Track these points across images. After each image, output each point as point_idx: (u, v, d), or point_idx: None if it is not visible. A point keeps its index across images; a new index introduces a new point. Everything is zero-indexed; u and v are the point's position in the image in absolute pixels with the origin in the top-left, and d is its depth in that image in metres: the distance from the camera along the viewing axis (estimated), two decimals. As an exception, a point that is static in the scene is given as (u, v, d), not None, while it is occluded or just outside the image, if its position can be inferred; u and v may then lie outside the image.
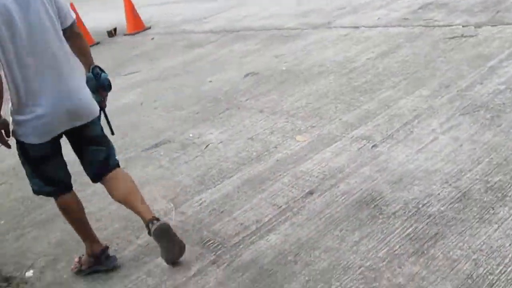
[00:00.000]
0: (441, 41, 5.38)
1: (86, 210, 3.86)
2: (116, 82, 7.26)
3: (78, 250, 3.43)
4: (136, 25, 10.40)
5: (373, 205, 3.04)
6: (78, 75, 2.99)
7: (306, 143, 4.03)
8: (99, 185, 4.08)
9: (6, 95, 2.73)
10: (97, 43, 10.33)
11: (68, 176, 3.15)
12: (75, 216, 3.22)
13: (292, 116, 4.58)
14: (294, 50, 6.47)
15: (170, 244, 2.97)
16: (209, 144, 4.48)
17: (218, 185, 3.77)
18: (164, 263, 3.04)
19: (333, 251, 2.76)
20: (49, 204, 4.21)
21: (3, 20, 2.63)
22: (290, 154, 3.92)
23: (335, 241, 2.83)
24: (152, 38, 9.49)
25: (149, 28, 10.44)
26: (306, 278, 2.63)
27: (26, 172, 3.10)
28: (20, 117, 2.81)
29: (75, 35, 3.00)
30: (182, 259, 3.03)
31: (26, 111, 2.79)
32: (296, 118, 4.53)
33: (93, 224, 3.66)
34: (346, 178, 3.41)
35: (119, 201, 3.17)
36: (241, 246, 3.02)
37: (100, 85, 3.15)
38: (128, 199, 3.10)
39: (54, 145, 2.97)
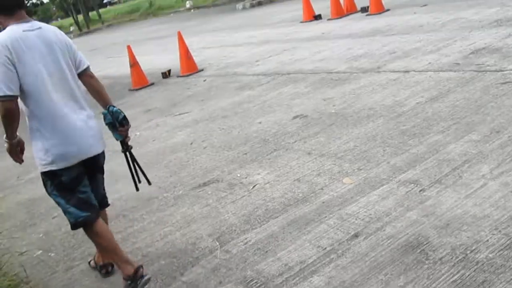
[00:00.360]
0: (492, 86, 5.32)
1: (134, 246, 3.94)
2: (168, 122, 7.48)
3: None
4: (190, 67, 10.67)
5: (419, 250, 3.00)
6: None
7: (353, 185, 4.02)
8: (147, 221, 4.16)
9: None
10: (152, 84, 10.64)
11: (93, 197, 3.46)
12: (109, 239, 3.42)
13: (339, 159, 4.59)
14: (343, 94, 6.51)
15: None
16: (256, 185, 4.52)
17: (264, 225, 3.79)
18: (207, 301, 3.07)
19: (377, 295, 2.72)
20: (98, 239, 4.32)
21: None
22: (336, 196, 3.91)
23: (380, 285, 2.79)
24: (204, 80, 9.70)
25: (202, 70, 10.68)
26: (349, 321, 2.60)
27: (60, 206, 3.38)
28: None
29: (89, 77, 3.50)
30: (225, 297, 3.05)
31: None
32: (343, 160, 4.53)
33: (139, 260, 3.73)
34: (392, 221, 3.37)
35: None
36: (284, 287, 3.02)
37: (116, 119, 3.55)
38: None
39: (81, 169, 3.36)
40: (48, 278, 3.96)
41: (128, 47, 10.76)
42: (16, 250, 4.47)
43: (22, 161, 3.36)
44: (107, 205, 3.76)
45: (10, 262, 3.73)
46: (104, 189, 3.71)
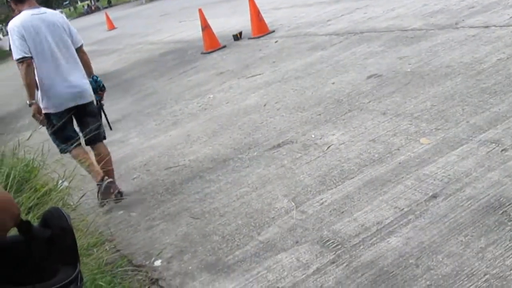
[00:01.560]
0: None
1: (211, 206, 4.04)
2: (241, 84, 7.52)
3: (203, 243, 3.59)
4: (261, 28, 10.63)
5: (501, 211, 2.92)
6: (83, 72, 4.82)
7: (431, 146, 3.93)
8: (223, 182, 4.25)
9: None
10: (224, 47, 10.68)
11: (77, 135, 4.76)
12: (85, 159, 4.67)
13: (416, 119, 4.49)
14: (419, 52, 6.32)
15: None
16: (330, 145, 4.50)
17: (339, 185, 3.78)
18: (285, 260, 3.12)
19: (457, 256, 2.69)
20: (177, 199, 4.45)
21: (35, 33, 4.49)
22: (413, 157, 3.85)
23: (459, 246, 2.75)
24: (276, 41, 9.65)
25: (273, 31, 10.62)
26: (428, 282, 2.58)
27: (52, 140, 4.79)
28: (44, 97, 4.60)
29: (82, 53, 4.84)
30: (302, 256, 3.09)
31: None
32: (420, 120, 4.43)
33: (217, 220, 3.82)
34: (472, 182, 3.29)
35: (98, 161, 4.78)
36: (361, 247, 3.02)
37: (98, 86, 4.98)
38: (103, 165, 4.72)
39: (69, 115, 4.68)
40: (131, 236, 4.13)
41: (200, 10, 10.82)
42: (100, 209, 4.67)
43: (45, 123, 4.66)
44: (101, 139, 4.91)
45: (95, 221, 3.90)
46: (97, 128, 4.76)
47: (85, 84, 4.73)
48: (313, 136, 4.83)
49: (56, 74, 4.55)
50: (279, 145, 4.87)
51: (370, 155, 4.09)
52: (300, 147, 4.68)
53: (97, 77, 4.99)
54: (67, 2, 79.17)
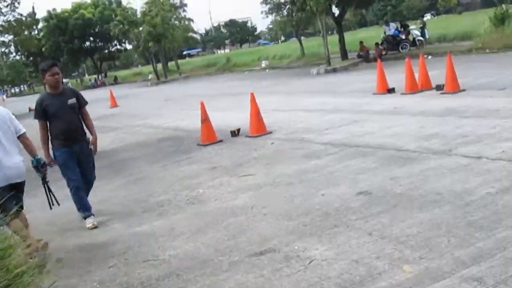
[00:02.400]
0: None
1: None
2: (232, 183, 7.54)
3: None
4: (259, 128, 10.81)
5: None
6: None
7: (413, 275, 3.89)
8: (200, 284, 4.13)
9: None
10: (220, 141, 10.81)
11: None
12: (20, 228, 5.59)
13: (401, 243, 4.47)
14: (411, 174, 6.40)
15: None
16: (313, 260, 4.45)
17: (316, 305, 3.70)
18: None
19: None
20: None
21: None
22: (395, 284, 3.79)
23: None
24: (272, 143, 9.78)
25: (271, 132, 10.79)
26: None
27: None
28: None
29: (24, 139, 5.96)
30: None
31: None
32: (405, 246, 4.41)
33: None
34: (451, 320, 3.22)
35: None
36: None
37: (40, 165, 6.12)
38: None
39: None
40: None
41: (202, 103, 11.02)
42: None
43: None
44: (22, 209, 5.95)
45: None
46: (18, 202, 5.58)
47: (21, 166, 5.85)
48: (296, 247, 4.78)
49: (3, 155, 5.65)
50: (261, 253, 4.81)
51: (351, 276, 4.03)
52: (282, 257, 4.62)
53: (38, 157, 6.05)
54: (75, 74, 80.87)
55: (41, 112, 6.56)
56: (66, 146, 6.62)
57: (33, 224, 7.18)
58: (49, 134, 6.69)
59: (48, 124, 6.65)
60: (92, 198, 8.15)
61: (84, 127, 6.91)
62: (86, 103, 6.96)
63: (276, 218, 5.70)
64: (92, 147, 6.90)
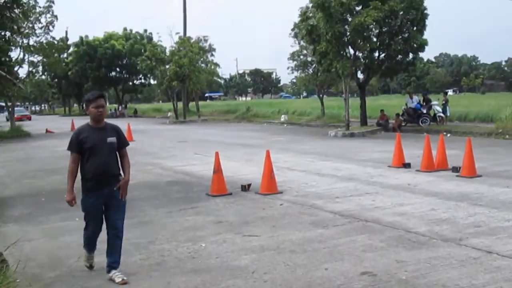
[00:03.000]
0: None
1: None
2: (235, 241, 7.43)
3: None
4: (270, 187, 10.72)
5: None
6: None
7: None
8: None
9: None
10: (230, 194, 10.72)
11: None
12: None
13: (400, 337, 4.30)
14: (418, 260, 6.25)
15: None
16: None
17: None
18: None
19: None
20: None
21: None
22: None
23: None
24: (281, 204, 9.68)
25: (281, 192, 10.70)
26: None
27: None
28: None
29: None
30: None
31: None
32: None
33: None
34: None
35: None
36: None
37: None
38: None
39: None
40: None
41: (216, 153, 10.98)
42: None
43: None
44: None
45: None
46: None
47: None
48: (292, 324, 4.64)
49: None
50: (255, 325, 4.66)
51: None
52: (277, 334, 4.47)
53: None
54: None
55: (76, 144, 5.95)
56: (96, 190, 5.96)
57: (29, 253, 7.11)
58: (79, 170, 6.08)
59: (80, 159, 6.01)
60: (93, 236, 8.08)
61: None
62: (127, 144, 6.35)
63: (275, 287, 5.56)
64: (119, 189, 6.11)
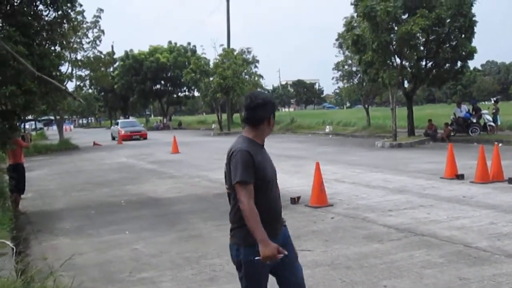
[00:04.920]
0: None
1: None
2: (288, 257, 7.21)
3: None
4: (320, 199, 10.51)
5: None
6: None
7: None
8: None
9: None
10: (278, 207, 10.54)
11: None
12: None
13: None
14: (482, 277, 5.95)
15: None
16: None
17: None
18: None
19: None
20: None
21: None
22: None
23: None
24: (333, 218, 9.46)
25: (332, 205, 10.47)
26: None
27: None
28: None
29: None
30: None
31: None
32: None
33: None
34: None
35: None
36: None
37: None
38: None
39: None
40: None
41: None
42: None
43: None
44: None
45: None
46: None
47: None
48: None
49: None
50: None
51: None
52: None
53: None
54: (148, 113, 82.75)
55: (253, 169, 3.84)
56: (272, 236, 3.91)
57: (81, 267, 7.10)
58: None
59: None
60: (143, 249, 8.07)
61: None
62: None
63: (333, 306, 5.36)
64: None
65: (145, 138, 42.24)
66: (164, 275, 6.76)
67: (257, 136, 4.04)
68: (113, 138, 44.76)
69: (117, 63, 65.89)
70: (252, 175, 3.78)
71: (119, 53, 66.82)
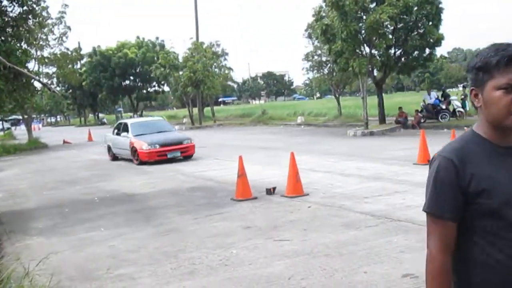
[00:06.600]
0: None
1: None
2: (267, 246, 7.23)
3: None
4: (296, 189, 10.50)
5: None
6: None
7: None
8: None
9: None
10: (255, 198, 10.53)
11: None
12: None
13: None
14: (460, 259, 6.00)
15: None
16: None
17: None
18: None
19: None
20: None
21: None
22: None
23: None
24: (309, 207, 9.46)
25: (308, 194, 10.47)
26: None
27: None
28: None
29: None
30: None
31: None
32: None
33: None
34: None
35: None
36: None
37: None
38: None
39: None
40: None
41: (240, 158, 10.80)
42: None
43: None
44: None
45: None
46: None
47: None
48: (338, 333, 4.43)
49: None
50: (300, 334, 4.46)
51: None
52: None
53: None
54: (120, 110, 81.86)
55: (454, 194, 2.13)
56: None
57: (57, 266, 6.97)
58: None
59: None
60: (121, 245, 7.97)
61: None
62: None
63: (315, 294, 5.35)
64: None
65: (191, 156, 19.82)
66: (143, 270, 6.67)
67: (485, 124, 2.17)
68: (113, 155, 21.72)
69: (84, 60, 65.00)
70: (450, 205, 2.12)
71: (86, 50, 65.94)
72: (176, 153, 19.00)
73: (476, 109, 2.22)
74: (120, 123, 22.67)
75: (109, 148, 22.02)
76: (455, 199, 2.11)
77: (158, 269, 6.67)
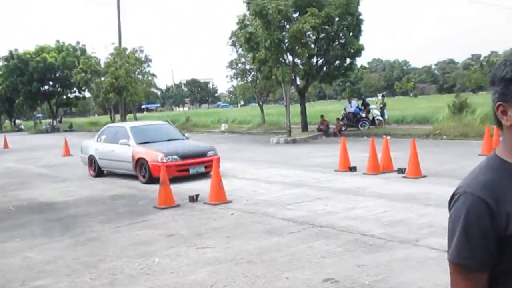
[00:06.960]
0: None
1: None
2: (189, 254, 7.17)
3: None
4: (219, 196, 10.49)
5: None
6: None
7: None
8: None
9: None
10: (178, 206, 10.42)
11: None
12: None
13: None
14: (378, 263, 6.18)
15: None
16: None
17: None
18: None
19: None
20: None
21: None
22: None
23: None
24: (232, 214, 9.47)
25: (231, 202, 10.48)
26: None
27: None
28: None
29: None
30: None
31: None
32: None
33: None
34: None
35: None
36: None
37: None
38: None
39: None
40: None
41: (163, 165, 10.69)
42: None
43: None
44: None
45: None
46: None
47: None
48: None
49: None
50: None
51: None
52: None
53: None
54: (39, 116, 78.92)
55: (487, 241, 1.71)
56: None
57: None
58: None
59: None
60: (37, 256, 7.68)
61: None
62: None
63: (237, 301, 5.35)
64: None
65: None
66: (61, 281, 6.45)
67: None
68: (98, 169, 16.55)
69: (0, 63, 62.48)
70: (484, 254, 1.73)
71: (2, 53, 63.41)
72: (200, 167, 14.24)
73: (500, 128, 1.82)
74: (111, 127, 17.63)
75: (91, 160, 16.67)
76: (489, 247, 1.71)
77: (77, 279, 6.47)
